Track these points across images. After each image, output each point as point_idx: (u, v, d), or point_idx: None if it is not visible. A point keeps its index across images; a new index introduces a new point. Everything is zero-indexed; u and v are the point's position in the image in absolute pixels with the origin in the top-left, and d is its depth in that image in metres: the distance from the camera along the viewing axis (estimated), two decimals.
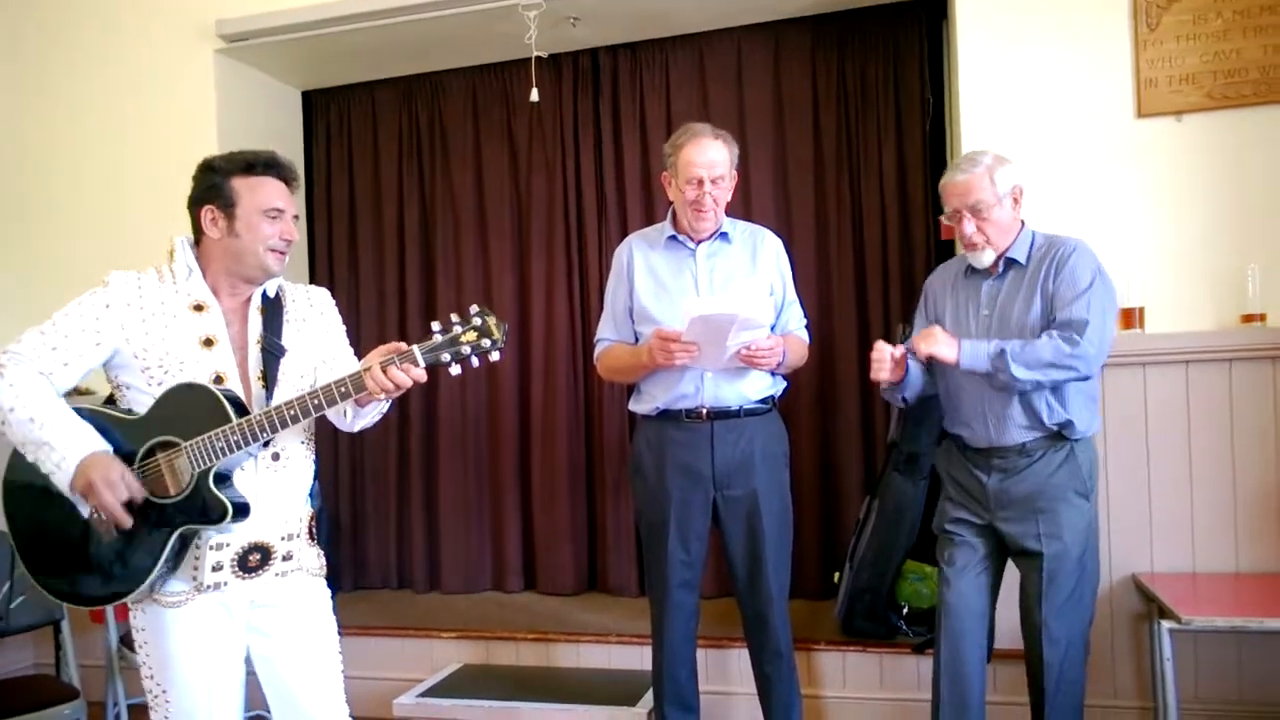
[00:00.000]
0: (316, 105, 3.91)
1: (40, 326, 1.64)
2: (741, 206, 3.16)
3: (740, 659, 2.69)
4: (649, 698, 2.54)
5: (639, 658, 2.79)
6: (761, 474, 2.30)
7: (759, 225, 2.48)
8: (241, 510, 1.61)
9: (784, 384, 2.41)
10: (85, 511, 1.59)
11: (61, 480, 1.55)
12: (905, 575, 2.89)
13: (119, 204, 3.43)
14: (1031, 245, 2.12)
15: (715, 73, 3.47)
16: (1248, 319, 2.52)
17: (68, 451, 1.55)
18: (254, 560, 1.68)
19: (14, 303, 3.52)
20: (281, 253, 1.71)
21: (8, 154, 3.56)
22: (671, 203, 2.37)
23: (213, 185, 1.68)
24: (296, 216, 1.74)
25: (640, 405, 2.38)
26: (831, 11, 3.28)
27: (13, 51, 3.57)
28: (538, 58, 3.18)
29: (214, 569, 1.64)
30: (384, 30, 3.25)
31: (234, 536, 1.65)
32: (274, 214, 1.68)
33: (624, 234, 3.57)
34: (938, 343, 2.06)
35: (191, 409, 1.59)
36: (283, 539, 1.72)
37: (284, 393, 1.68)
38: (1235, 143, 2.57)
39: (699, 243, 2.34)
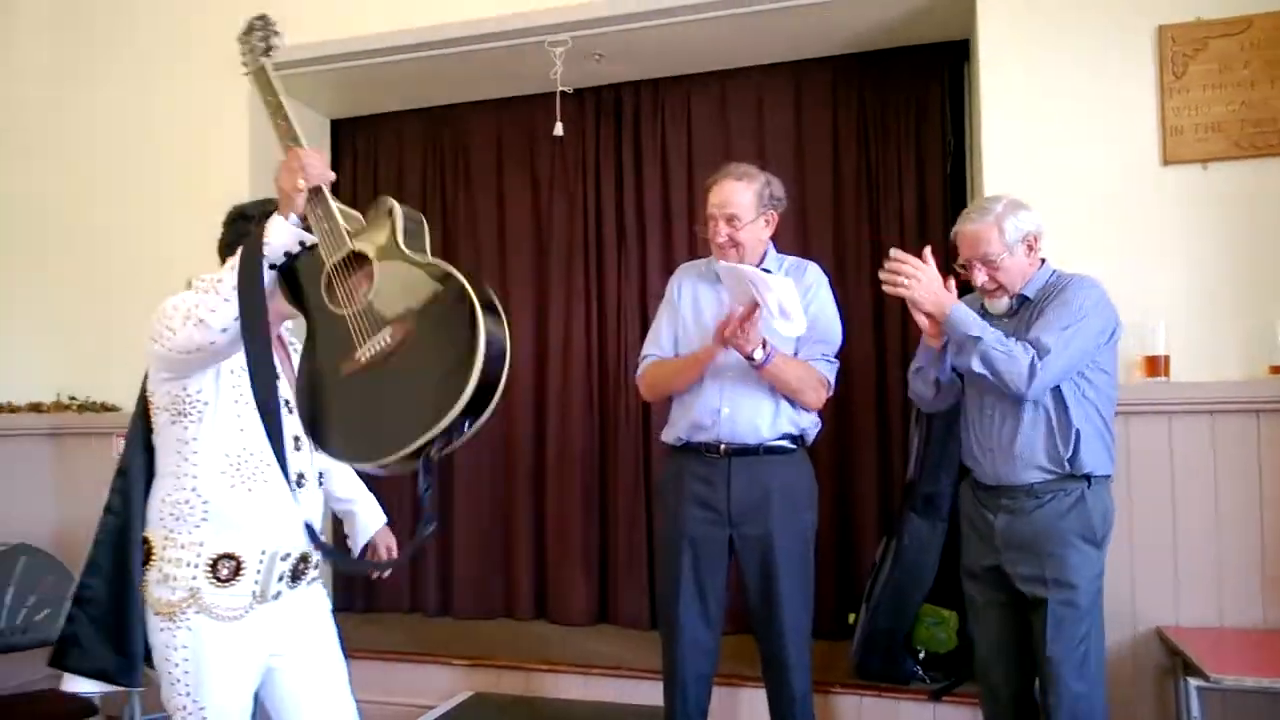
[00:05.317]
0: (343, 133, 3.97)
1: None
2: None
3: (751, 700, 2.65)
4: None
5: (651, 693, 2.75)
6: (778, 515, 2.27)
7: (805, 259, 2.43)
8: None
9: (816, 423, 2.37)
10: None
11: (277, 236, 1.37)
12: (922, 619, 2.84)
13: (153, 227, 3.48)
14: (1045, 283, 2.10)
15: (736, 110, 3.48)
16: (1276, 370, 2.48)
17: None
18: (300, 568, 1.71)
19: (44, 322, 3.60)
20: None
21: (50, 178, 3.63)
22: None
23: None
24: None
25: (668, 434, 2.39)
26: (853, 53, 3.30)
27: (58, 76, 3.66)
28: (562, 92, 3.22)
29: (279, 578, 1.66)
30: (413, 64, 3.30)
31: (294, 547, 1.67)
32: None
33: (643, 265, 3.61)
34: (937, 297, 2.05)
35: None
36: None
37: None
38: (1262, 191, 2.54)
39: None
